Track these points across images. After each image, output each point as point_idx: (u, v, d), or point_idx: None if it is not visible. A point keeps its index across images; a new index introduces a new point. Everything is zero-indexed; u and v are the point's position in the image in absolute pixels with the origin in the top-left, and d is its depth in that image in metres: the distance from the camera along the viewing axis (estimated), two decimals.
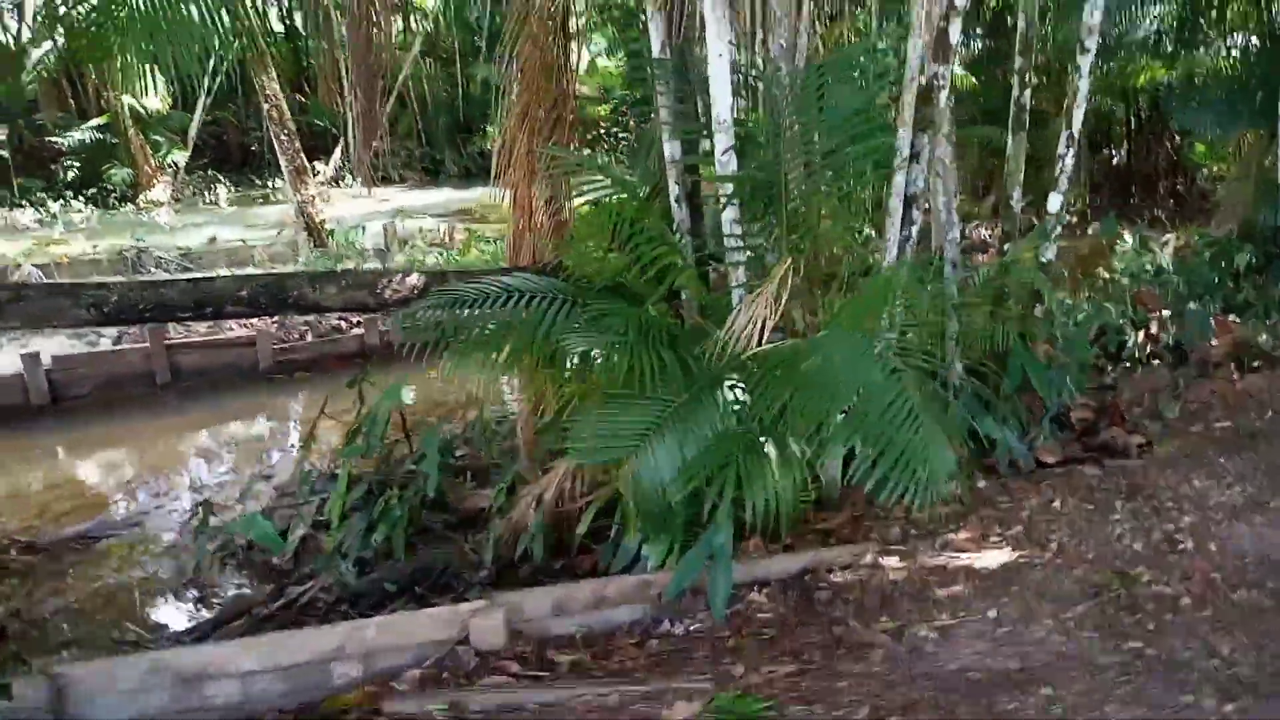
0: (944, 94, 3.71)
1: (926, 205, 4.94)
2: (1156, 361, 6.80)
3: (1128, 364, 6.84)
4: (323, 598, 3.52)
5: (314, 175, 23.46)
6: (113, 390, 6.53)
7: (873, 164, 3.68)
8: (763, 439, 3.02)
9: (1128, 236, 7.82)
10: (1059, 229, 5.06)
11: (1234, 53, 10.13)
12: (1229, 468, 3.67)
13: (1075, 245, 9.94)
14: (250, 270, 10.14)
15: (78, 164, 18.32)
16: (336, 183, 22.78)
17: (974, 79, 17.17)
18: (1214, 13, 10.49)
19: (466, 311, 3.22)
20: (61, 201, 16.85)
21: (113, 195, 18.10)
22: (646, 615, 2.86)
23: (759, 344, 2.90)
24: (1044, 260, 5.06)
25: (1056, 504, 3.48)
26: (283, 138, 10.95)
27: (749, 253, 3.59)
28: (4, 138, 17.44)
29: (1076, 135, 4.88)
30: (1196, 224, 12.31)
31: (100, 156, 18.63)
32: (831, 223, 3.79)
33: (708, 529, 2.91)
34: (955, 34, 3.67)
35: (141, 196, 18.32)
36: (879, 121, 3.68)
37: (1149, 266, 7.42)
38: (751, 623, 2.79)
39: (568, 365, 3.26)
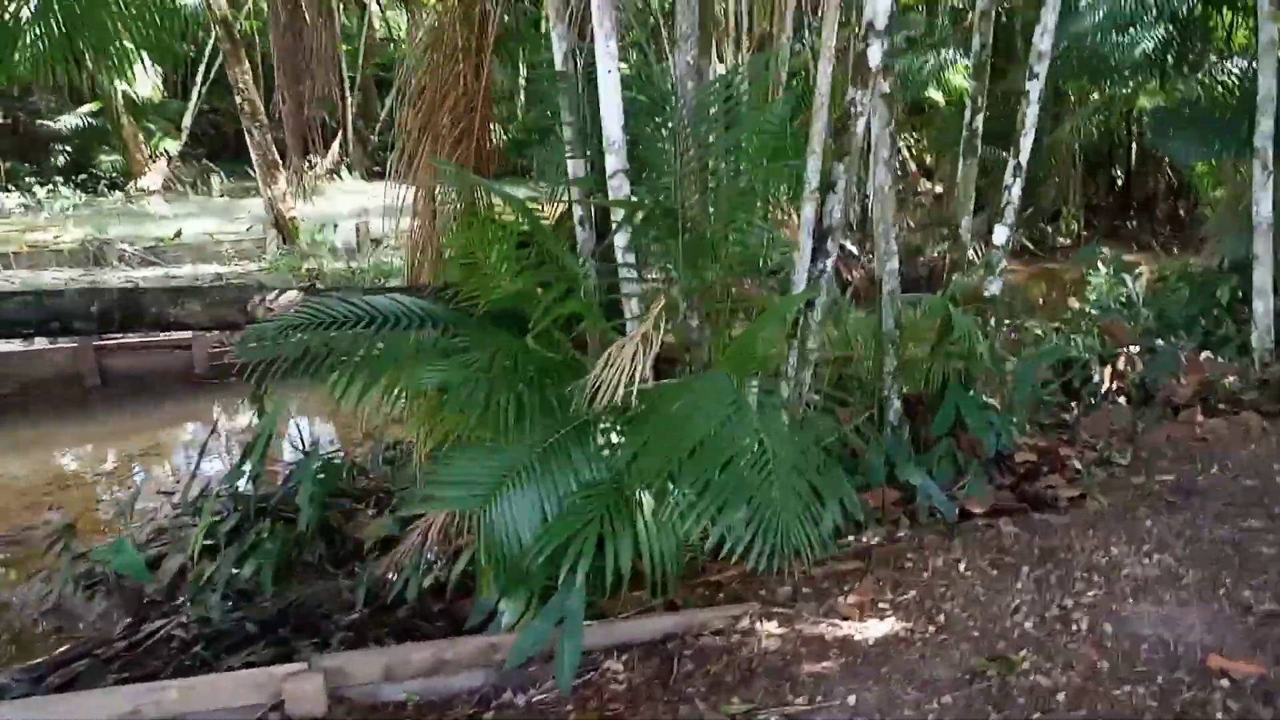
0: (862, 121, 3.49)
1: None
2: (1122, 399, 6.57)
3: (1091, 401, 6.60)
4: (180, 635, 3.32)
5: (311, 167, 23.41)
6: (37, 393, 6.36)
7: (783, 191, 3.47)
8: (640, 490, 2.81)
9: (1100, 266, 7.52)
10: (1004, 263, 4.80)
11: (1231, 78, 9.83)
12: (1154, 531, 3.43)
13: (1062, 270, 9.66)
14: (214, 267, 9.99)
15: (69, 150, 18.25)
16: (334, 175, 22.71)
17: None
18: (1207, 36, 10.24)
19: (323, 334, 3.00)
20: (50, 187, 16.74)
21: (102, 182, 18.00)
22: (489, 683, 2.64)
23: (626, 389, 2.67)
24: (988, 295, 4.81)
25: (962, 565, 3.25)
26: (253, 131, 10.78)
27: (644, 284, 3.38)
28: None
29: (1024, 165, 4.65)
30: (1193, 251, 12.05)
31: (92, 143, 18.55)
32: (738, 252, 3.57)
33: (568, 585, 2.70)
34: (876, 57, 3.44)
35: (132, 184, 18.22)
36: (780, 146, 3.46)
37: (1122, 298, 7.16)
38: (601, 695, 2.57)
39: (423, 399, 3.05)
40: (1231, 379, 6.07)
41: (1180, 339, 7.14)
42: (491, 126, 4.03)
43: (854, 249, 11.76)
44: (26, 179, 16.97)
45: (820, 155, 3.36)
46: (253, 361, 2.89)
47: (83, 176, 17.95)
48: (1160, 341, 6.56)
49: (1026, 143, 4.58)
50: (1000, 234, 4.72)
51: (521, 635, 2.64)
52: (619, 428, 2.92)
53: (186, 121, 20.15)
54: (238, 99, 11.19)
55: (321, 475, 3.78)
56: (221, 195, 18.72)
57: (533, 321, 3.16)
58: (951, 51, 15.86)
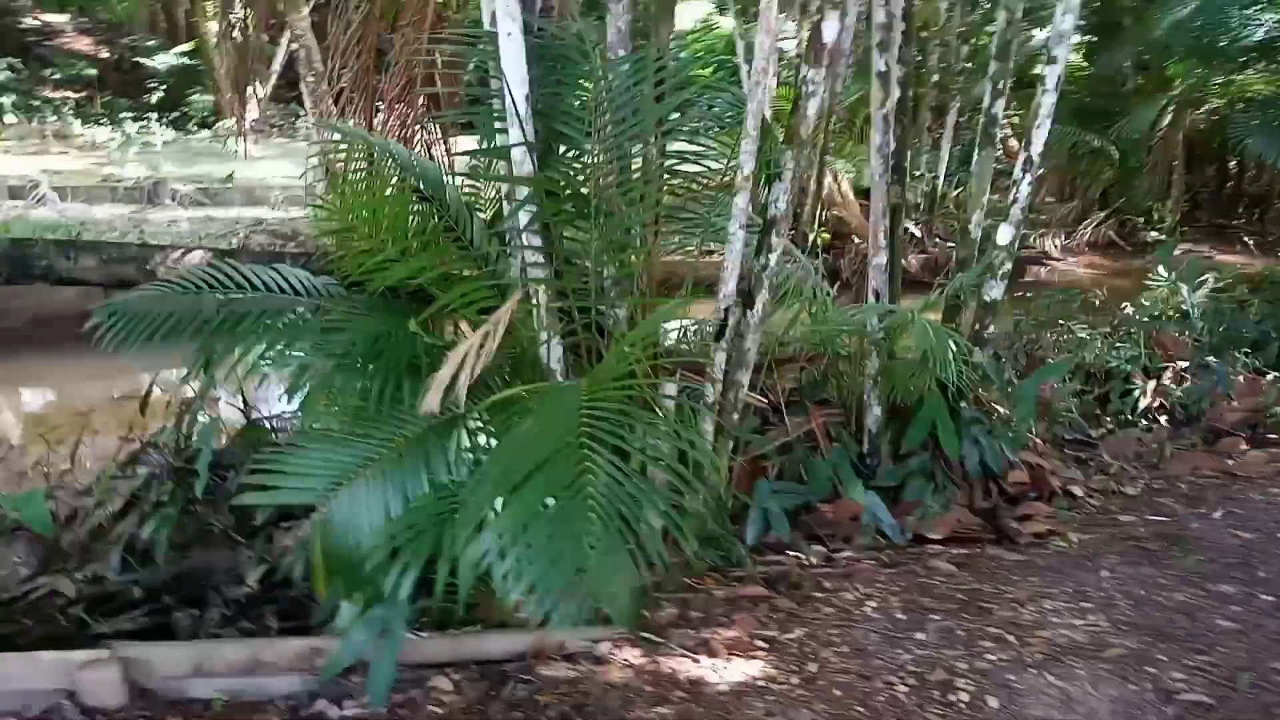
0: (815, 102, 3.12)
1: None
2: (1165, 419, 5.98)
3: (1129, 418, 6.03)
4: (65, 594, 3.28)
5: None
6: (44, 329, 6.50)
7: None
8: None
9: (1161, 270, 6.84)
10: (1009, 265, 4.33)
11: None
12: (1107, 585, 3.03)
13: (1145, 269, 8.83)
14: (260, 211, 10.13)
15: (164, 88, 18.85)
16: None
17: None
18: None
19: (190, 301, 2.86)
20: (142, 124, 17.32)
21: (193, 121, 18.55)
22: (306, 689, 2.49)
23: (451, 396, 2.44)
24: (988, 299, 4.36)
25: (871, 604, 2.93)
26: (309, 79, 10.79)
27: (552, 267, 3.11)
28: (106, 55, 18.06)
29: (1036, 159, 4.14)
30: None
31: (185, 82, 19.10)
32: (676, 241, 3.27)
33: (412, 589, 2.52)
34: (832, 31, 3.06)
35: (220, 124, 18.72)
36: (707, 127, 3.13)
37: (1181, 305, 6.49)
38: (418, 715, 2.39)
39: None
40: None
41: (1245, 356, 6.46)
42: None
43: (916, 231, 11.14)
44: (122, 115, 17.59)
45: (757, 137, 3.01)
46: (111, 325, 2.78)
47: (175, 115, 18.51)
48: (1213, 358, 5.91)
49: (1040, 135, 4.08)
50: (1005, 233, 4.25)
51: (340, 644, 2.47)
52: (490, 429, 2.70)
53: (277, 64, 20.52)
54: (294, 45, 11.22)
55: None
56: (305, 139, 19.00)
57: (440, 304, 2.95)
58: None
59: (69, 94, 18.87)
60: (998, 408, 4.86)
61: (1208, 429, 5.57)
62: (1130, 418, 6.01)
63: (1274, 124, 7.53)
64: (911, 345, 4.69)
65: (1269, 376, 6.22)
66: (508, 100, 2.87)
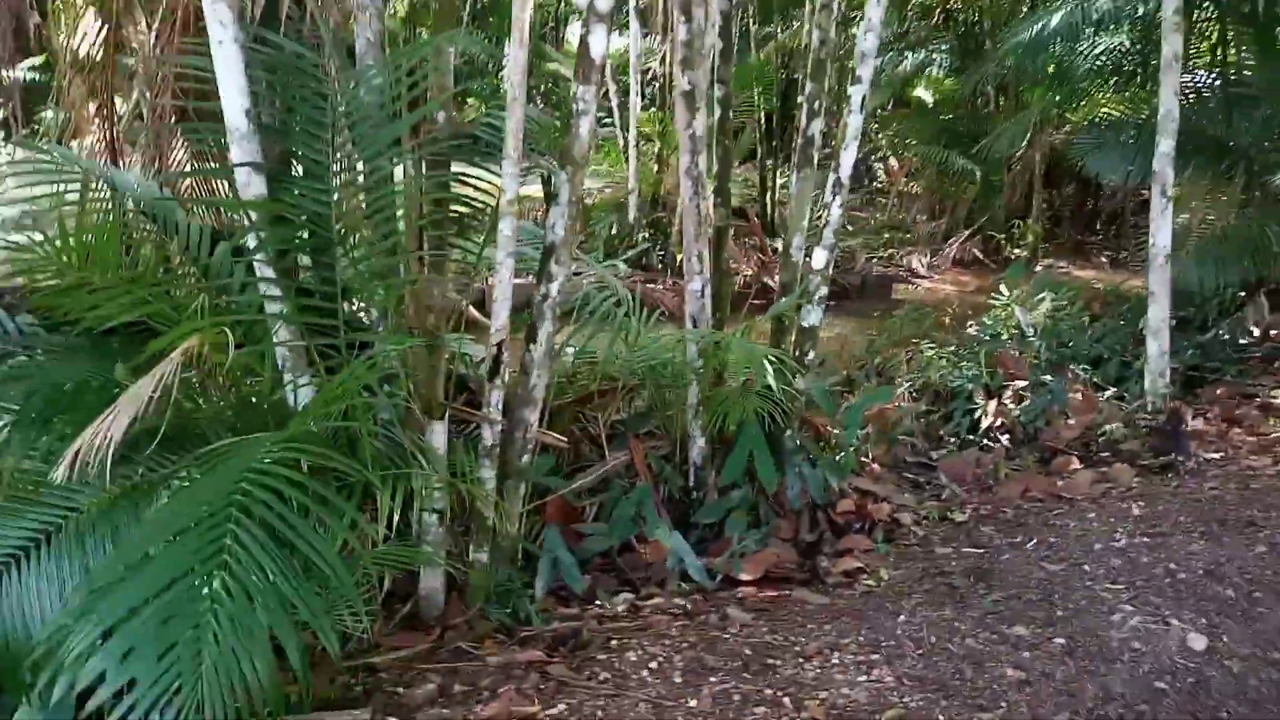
0: (586, 121, 2.88)
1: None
2: (1006, 438, 5.98)
3: (970, 438, 6.02)
4: None
5: None
6: None
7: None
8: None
9: (1004, 289, 6.90)
10: (824, 289, 4.19)
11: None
12: (901, 632, 2.86)
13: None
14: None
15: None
16: None
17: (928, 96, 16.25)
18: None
19: None
20: None
21: (43, 139, 17.39)
22: None
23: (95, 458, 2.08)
24: (806, 325, 4.21)
25: (653, 665, 2.68)
26: None
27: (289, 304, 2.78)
28: None
29: (845, 181, 4.02)
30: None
31: (35, 98, 17.92)
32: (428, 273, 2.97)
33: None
34: (599, 46, 2.84)
35: (75, 142, 17.61)
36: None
37: (1019, 324, 6.55)
38: None
39: None
40: (1116, 425, 5.47)
41: (1085, 373, 6.55)
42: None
43: None
44: None
45: (516, 158, 2.75)
46: None
47: (25, 132, 17.31)
48: (1049, 377, 5.95)
49: (848, 157, 3.97)
50: (820, 257, 4.11)
51: None
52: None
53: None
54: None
55: None
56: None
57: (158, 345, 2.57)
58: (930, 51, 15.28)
59: None
60: (832, 433, 4.74)
61: (1044, 448, 5.58)
62: (972, 437, 6.01)
63: (1110, 145, 7.72)
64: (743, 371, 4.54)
65: (1106, 394, 6.31)
66: (228, 115, 2.54)
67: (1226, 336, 7.47)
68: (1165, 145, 5.32)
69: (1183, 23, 5.17)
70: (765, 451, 3.92)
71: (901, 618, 2.94)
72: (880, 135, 18.78)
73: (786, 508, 4.19)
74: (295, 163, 2.78)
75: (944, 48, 14.95)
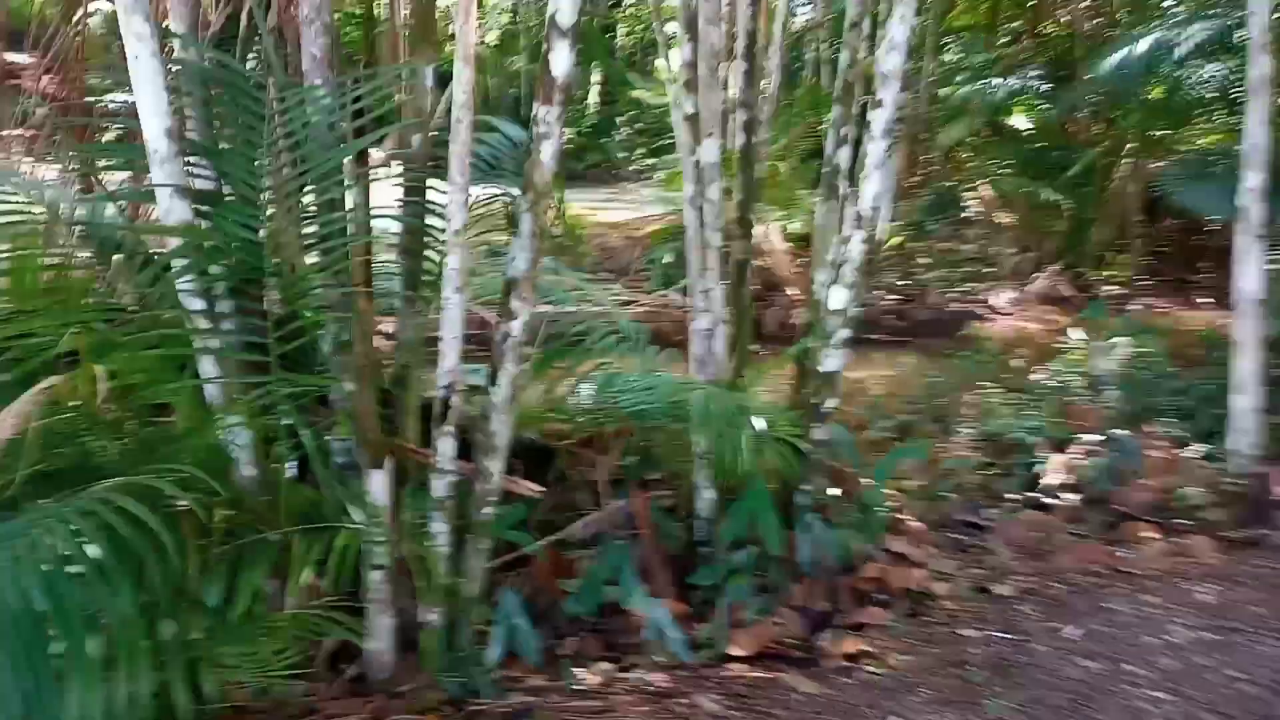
0: (549, 144, 2.61)
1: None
2: (1074, 497, 5.41)
3: (1028, 497, 5.47)
4: None
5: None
6: None
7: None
8: None
9: (1074, 331, 6.31)
10: (845, 332, 3.79)
11: None
12: None
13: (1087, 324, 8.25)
14: None
15: None
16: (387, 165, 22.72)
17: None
18: None
19: None
20: None
21: None
22: None
23: None
24: (824, 371, 3.82)
25: None
26: None
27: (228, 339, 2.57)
28: None
29: (869, 213, 3.63)
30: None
31: None
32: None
33: None
34: (561, 64, 2.56)
35: None
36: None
37: (1092, 369, 5.95)
38: None
39: None
40: (1196, 489, 4.86)
41: (1169, 428, 5.91)
42: None
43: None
44: None
45: (462, 184, 2.50)
46: None
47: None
48: (1123, 431, 5.36)
49: (870, 188, 3.57)
50: (838, 297, 3.72)
51: None
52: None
53: None
54: None
55: None
56: None
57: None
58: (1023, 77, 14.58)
59: None
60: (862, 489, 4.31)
61: (1112, 511, 5.01)
62: (1034, 495, 5.45)
63: (1205, 178, 7.06)
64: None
65: (1192, 451, 5.67)
66: (147, 134, 2.36)
67: None
68: (1253, 180, 4.73)
69: (1273, 43, 4.60)
70: (769, 508, 3.55)
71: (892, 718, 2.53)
72: (971, 165, 18.10)
73: (801, 571, 3.80)
74: (227, 186, 2.59)
75: (1034, 73, 14.22)
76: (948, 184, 18.96)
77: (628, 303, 9.07)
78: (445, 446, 2.70)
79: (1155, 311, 11.90)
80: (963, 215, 17.05)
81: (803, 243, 10.93)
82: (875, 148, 3.58)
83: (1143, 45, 8.28)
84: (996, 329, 10.65)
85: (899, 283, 11.26)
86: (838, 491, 4.22)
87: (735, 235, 4.37)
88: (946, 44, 21.49)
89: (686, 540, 3.84)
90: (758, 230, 9.98)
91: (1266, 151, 4.79)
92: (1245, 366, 4.84)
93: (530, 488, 3.12)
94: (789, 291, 9.95)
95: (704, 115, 3.78)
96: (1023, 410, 5.96)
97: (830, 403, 3.89)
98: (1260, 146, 4.73)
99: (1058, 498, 5.39)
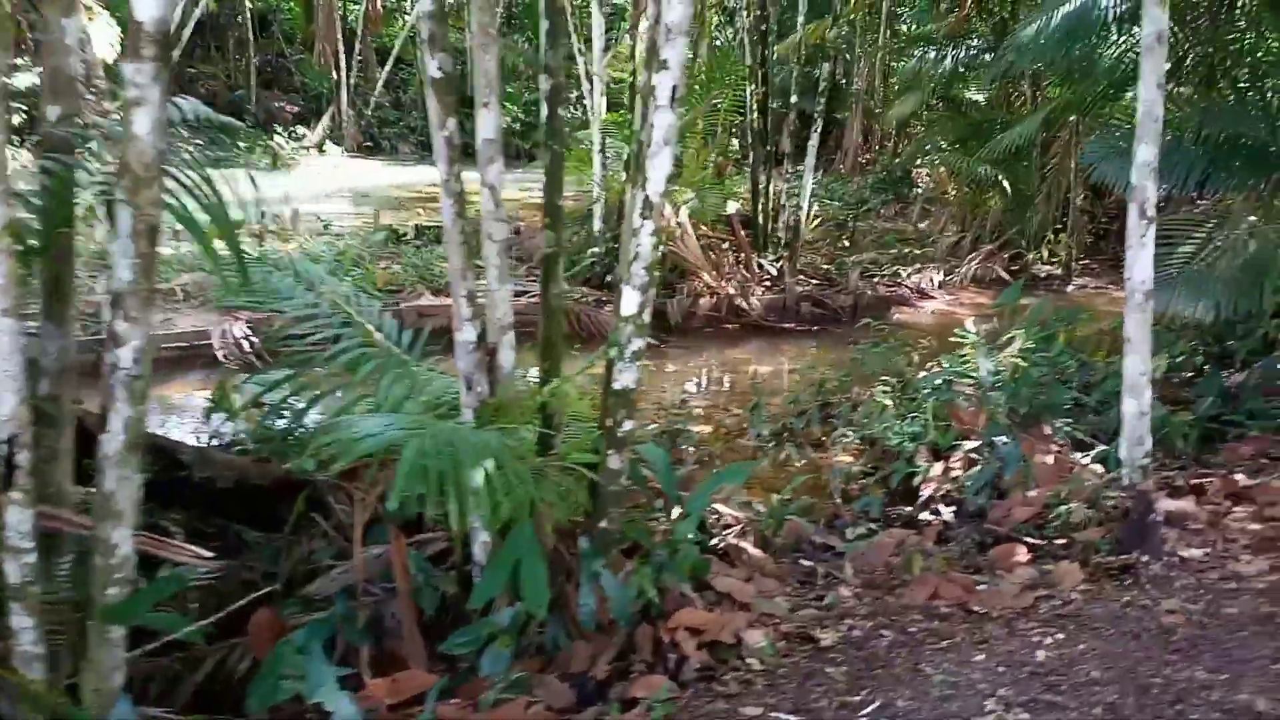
0: (146, 115, 1.98)
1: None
2: (951, 510, 4.89)
3: (901, 512, 4.95)
4: None
5: (300, 139, 22.62)
6: None
7: None
8: None
9: (969, 325, 5.76)
10: (639, 342, 3.18)
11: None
12: None
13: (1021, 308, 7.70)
14: None
15: (23, 108, 17.57)
16: (321, 149, 21.99)
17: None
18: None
19: None
20: None
21: None
22: None
23: None
24: (618, 388, 3.22)
25: None
26: None
27: None
28: None
29: (656, 200, 3.03)
30: None
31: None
32: None
33: None
34: (148, 5, 1.93)
35: None
36: None
37: (989, 369, 5.38)
38: None
39: None
40: (1077, 504, 4.33)
41: (1067, 430, 5.38)
42: None
43: (771, 269, 10.07)
44: None
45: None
46: None
47: (37, 138, 17.25)
48: (1003, 437, 4.81)
49: (658, 168, 2.97)
50: (630, 300, 3.12)
51: None
52: None
53: None
54: None
55: None
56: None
57: None
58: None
59: None
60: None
61: (985, 531, 4.48)
62: (907, 509, 4.92)
63: (1121, 151, 6.53)
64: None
65: (1092, 455, 5.15)
66: None
67: (1257, 381, 6.22)
68: (1145, 153, 4.18)
69: None
70: (536, 558, 2.96)
71: None
72: (921, 139, 17.53)
73: (595, 626, 3.23)
74: None
75: (974, 43, 13.64)
76: (897, 160, 18.45)
77: (520, 294, 8.46)
78: (14, 519, 2.08)
79: (1092, 291, 11.44)
80: (915, 192, 16.55)
81: (722, 224, 10.36)
82: (662, 118, 2.98)
83: (1062, 11, 7.70)
84: (923, 314, 10.15)
85: (824, 266, 10.72)
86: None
87: (544, 224, 3.76)
88: (901, 12, 20.94)
89: (456, 593, 3.26)
90: (666, 212, 9.41)
91: (1160, 120, 4.25)
92: (1136, 367, 4.30)
93: (192, 553, 2.51)
94: (704, 278, 9.39)
95: (480, 81, 3.18)
96: (909, 412, 5.42)
97: (627, 425, 3.31)
98: (1153, 114, 4.17)
99: (936, 512, 4.87)
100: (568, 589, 3.28)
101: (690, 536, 3.45)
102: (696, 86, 9.43)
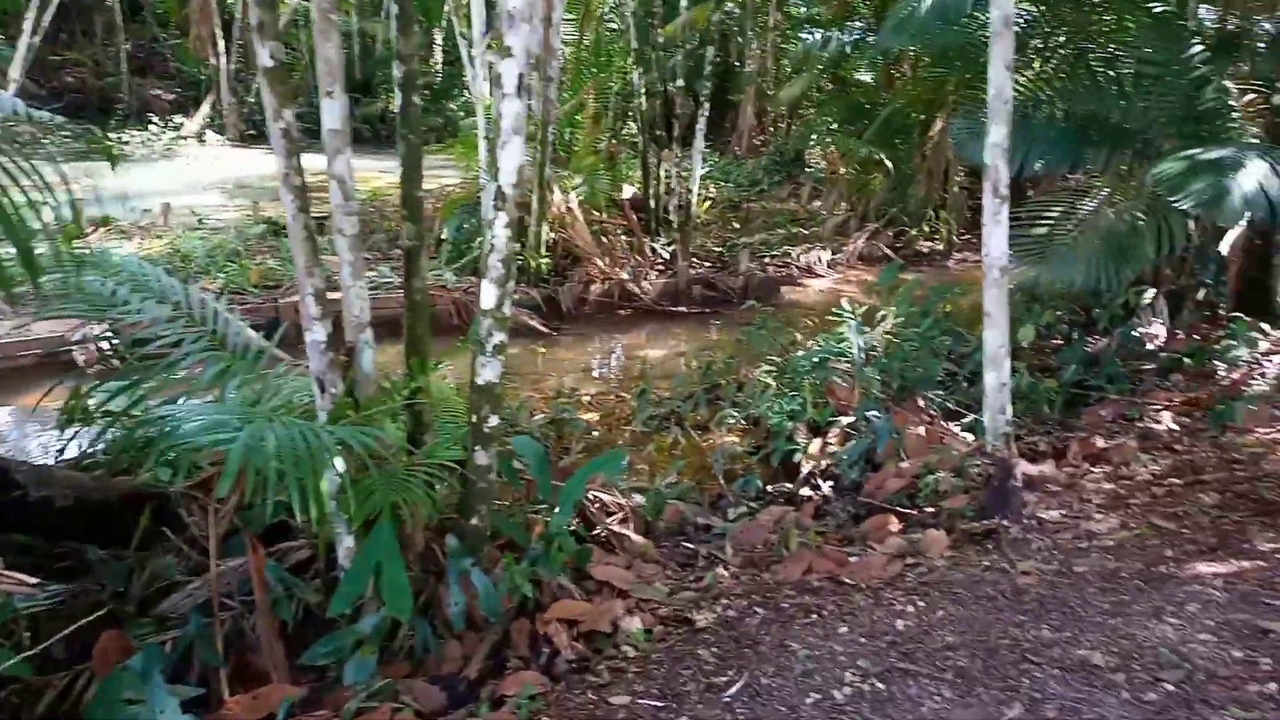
0: None
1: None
2: (830, 485, 5.01)
3: (779, 489, 5.04)
4: None
5: (178, 128, 21.57)
6: None
7: None
8: None
9: (845, 304, 5.90)
10: (501, 336, 3.14)
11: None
12: None
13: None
14: None
15: None
16: (201, 138, 21.03)
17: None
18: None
19: None
20: None
21: None
22: None
23: None
24: (481, 383, 3.18)
25: None
26: None
27: None
28: None
29: (509, 191, 2.99)
30: None
31: None
32: None
33: None
34: None
35: None
36: None
37: (863, 345, 5.53)
38: None
39: None
40: (944, 474, 4.50)
41: (937, 401, 5.58)
42: None
43: (664, 252, 10.10)
44: None
45: None
46: None
47: None
48: (874, 412, 4.96)
49: (510, 157, 2.93)
50: (489, 294, 3.07)
51: None
52: None
53: (14, 73, 18.16)
54: None
55: None
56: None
57: None
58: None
59: None
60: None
61: (860, 503, 4.61)
62: (788, 486, 5.02)
63: (974, 131, 6.78)
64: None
65: (963, 424, 5.35)
66: None
67: (1116, 347, 6.57)
68: (996, 134, 4.32)
69: None
70: (397, 560, 2.90)
71: None
72: (812, 120, 17.85)
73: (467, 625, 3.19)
74: None
75: (858, 25, 13.93)
76: (789, 141, 18.76)
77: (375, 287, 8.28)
78: None
79: (971, 268, 11.87)
80: (807, 172, 16.84)
81: (615, 209, 10.33)
82: (510, 107, 2.93)
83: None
84: (811, 293, 10.34)
85: (717, 248, 10.81)
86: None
87: (403, 216, 3.66)
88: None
89: (323, 602, 3.17)
90: (556, 198, 9.33)
91: (1009, 102, 4.40)
92: (995, 340, 4.45)
93: (15, 580, 2.37)
94: (596, 264, 9.34)
95: (322, 68, 3.07)
96: (791, 390, 5.53)
97: (493, 420, 3.26)
98: (1003, 96, 4.32)
99: (816, 487, 4.99)
100: (440, 589, 3.23)
101: (566, 528, 3.43)
102: (583, 70, 9.36)
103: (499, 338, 3.13)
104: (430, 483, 3.12)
